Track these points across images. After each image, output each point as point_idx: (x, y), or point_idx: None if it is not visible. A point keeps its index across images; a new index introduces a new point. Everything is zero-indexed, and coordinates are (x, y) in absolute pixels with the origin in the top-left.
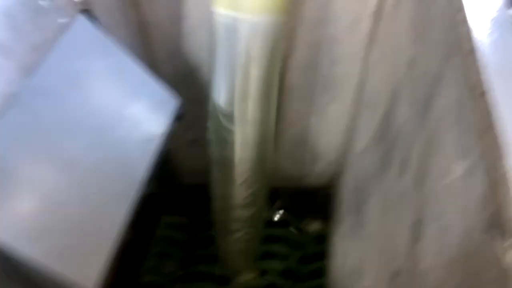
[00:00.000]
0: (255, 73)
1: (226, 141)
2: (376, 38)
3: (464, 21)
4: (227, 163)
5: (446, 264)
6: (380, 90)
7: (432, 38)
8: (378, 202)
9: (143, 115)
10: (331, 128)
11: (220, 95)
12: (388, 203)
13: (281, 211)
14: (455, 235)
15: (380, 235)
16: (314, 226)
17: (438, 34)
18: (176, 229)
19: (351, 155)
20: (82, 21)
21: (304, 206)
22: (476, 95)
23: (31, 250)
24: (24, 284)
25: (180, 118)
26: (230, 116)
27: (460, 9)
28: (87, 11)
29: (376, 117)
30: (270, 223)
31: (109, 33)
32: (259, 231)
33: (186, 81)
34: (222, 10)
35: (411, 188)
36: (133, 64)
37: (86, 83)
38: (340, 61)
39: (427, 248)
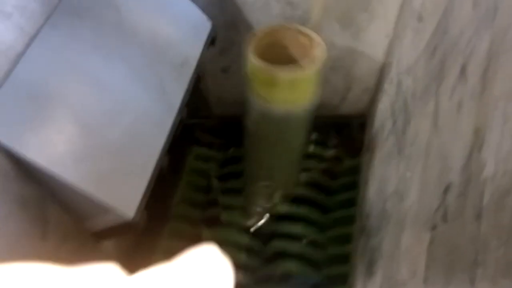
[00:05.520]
0: None
1: None
2: None
3: None
4: None
5: None
6: (430, 1)
7: None
8: (426, 120)
9: (178, 38)
10: (370, 51)
11: None
12: (443, 116)
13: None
14: None
15: (429, 152)
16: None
17: None
18: (206, 160)
19: (392, 77)
20: None
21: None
22: None
23: (69, 174)
24: (62, 206)
25: (213, 43)
26: None
27: None
28: None
29: (428, 29)
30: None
31: None
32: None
33: (220, 4)
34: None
35: (472, 95)
36: None
37: (122, 3)
38: None
39: (492, 155)
